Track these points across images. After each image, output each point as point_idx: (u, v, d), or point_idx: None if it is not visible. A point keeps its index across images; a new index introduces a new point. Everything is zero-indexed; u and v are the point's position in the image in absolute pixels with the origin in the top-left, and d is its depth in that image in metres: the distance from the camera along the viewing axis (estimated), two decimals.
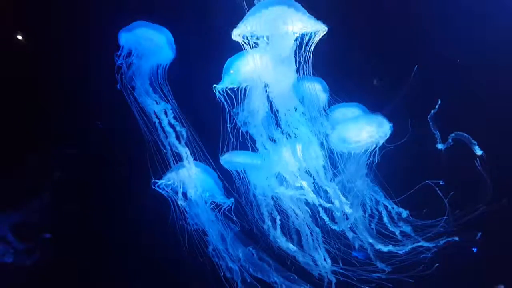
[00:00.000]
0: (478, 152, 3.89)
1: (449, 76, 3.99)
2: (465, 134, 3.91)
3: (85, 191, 4.41)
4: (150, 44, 3.61)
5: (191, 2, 3.88)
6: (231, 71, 3.69)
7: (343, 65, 3.94)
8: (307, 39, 3.39)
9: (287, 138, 3.65)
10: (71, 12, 4.02)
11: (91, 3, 4.00)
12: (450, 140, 3.94)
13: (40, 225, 4.43)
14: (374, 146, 3.80)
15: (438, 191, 3.90)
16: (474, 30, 3.86)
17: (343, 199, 3.70)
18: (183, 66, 3.74)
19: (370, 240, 3.88)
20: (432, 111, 3.93)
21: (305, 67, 3.45)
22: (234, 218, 3.96)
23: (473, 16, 3.84)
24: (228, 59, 3.62)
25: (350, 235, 3.90)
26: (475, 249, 4.31)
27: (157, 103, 3.67)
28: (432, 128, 3.94)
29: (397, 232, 3.93)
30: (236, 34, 3.36)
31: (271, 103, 3.65)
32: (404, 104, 3.91)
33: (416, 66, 3.91)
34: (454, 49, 3.92)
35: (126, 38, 3.64)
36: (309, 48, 3.41)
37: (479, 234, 3.98)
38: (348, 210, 3.70)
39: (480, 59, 3.90)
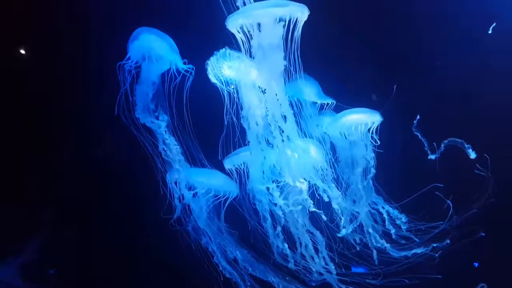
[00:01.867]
0: (472, 155, 3.96)
1: (446, 79, 4.14)
2: (457, 139, 3.99)
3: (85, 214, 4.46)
4: (156, 47, 3.78)
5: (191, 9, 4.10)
6: (232, 86, 3.86)
7: (340, 70, 4.12)
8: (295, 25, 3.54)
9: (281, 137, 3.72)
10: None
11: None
12: (442, 147, 4.01)
13: (44, 262, 4.46)
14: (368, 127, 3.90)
15: (444, 198, 3.93)
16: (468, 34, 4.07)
17: (337, 192, 3.74)
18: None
19: (370, 230, 3.86)
20: (414, 122, 4.03)
21: (296, 62, 3.61)
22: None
23: (465, 20, 4.04)
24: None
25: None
26: (476, 264, 4.27)
27: (155, 111, 3.80)
28: (421, 138, 4.03)
29: (393, 231, 3.93)
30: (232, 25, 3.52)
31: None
32: (399, 109, 4.05)
33: (395, 85, 4.08)
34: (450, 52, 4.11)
35: (133, 46, 3.79)
36: (298, 38, 3.58)
37: (483, 234, 3.95)
38: (335, 205, 3.72)
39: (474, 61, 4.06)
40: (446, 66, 4.10)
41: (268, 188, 3.87)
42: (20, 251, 4.39)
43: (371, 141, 3.93)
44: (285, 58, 3.54)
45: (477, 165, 3.95)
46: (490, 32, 3.96)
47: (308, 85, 3.95)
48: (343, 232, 3.89)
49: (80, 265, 4.50)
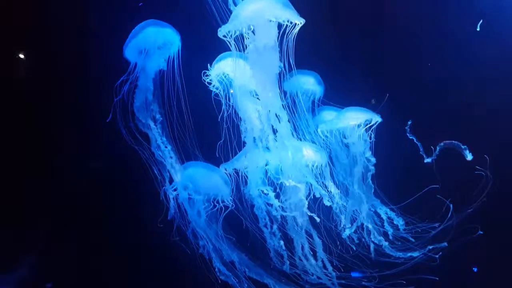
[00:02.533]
0: (469, 157, 3.95)
1: (439, 80, 4.16)
2: (453, 142, 3.99)
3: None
4: (155, 37, 3.77)
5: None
6: (231, 91, 3.87)
7: (334, 71, 4.14)
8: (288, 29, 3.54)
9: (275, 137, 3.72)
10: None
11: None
12: (437, 151, 4.00)
13: (40, 277, 4.43)
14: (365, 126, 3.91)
15: (444, 199, 3.92)
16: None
17: (335, 190, 3.74)
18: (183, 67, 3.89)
19: (370, 226, 3.84)
20: (407, 129, 4.04)
21: (290, 60, 3.62)
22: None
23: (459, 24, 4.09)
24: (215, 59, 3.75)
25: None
26: (475, 269, 4.24)
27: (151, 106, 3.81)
28: (416, 142, 4.03)
29: (390, 232, 3.91)
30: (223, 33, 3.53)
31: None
32: (395, 110, 4.06)
33: (388, 94, 4.10)
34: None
35: (131, 46, 3.79)
36: (293, 39, 3.57)
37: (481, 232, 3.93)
38: (333, 203, 3.70)
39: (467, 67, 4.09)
40: (438, 67, 4.14)
41: (263, 192, 3.86)
42: (16, 266, 4.34)
43: (369, 140, 3.93)
44: (280, 59, 3.56)
45: (477, 166, 3.93)
46: (478, 29, 3.99)
47: (306, 74, 3.99)
48: (347, 232, 3.89)
49: (77, 279, 4.45)
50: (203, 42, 3.86)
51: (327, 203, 3.73)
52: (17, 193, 4.29)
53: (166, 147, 3.82)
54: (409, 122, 4.00)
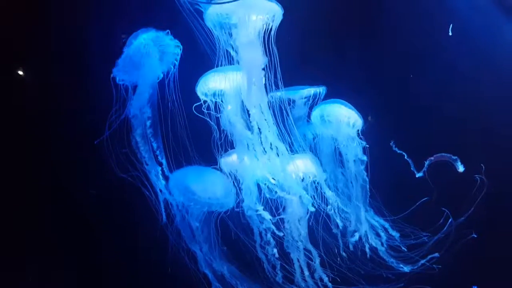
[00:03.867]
0: (461, 168, 3.95)
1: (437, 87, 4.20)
2: (444, 154, 4.00)
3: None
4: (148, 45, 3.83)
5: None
6: (229, 107, 3.97)
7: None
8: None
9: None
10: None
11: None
12: (426, 165, 4.01)
13: None
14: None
15: (446, 210, 3.93)
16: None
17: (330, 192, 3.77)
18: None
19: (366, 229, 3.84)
20: (396, 150, 4.07)
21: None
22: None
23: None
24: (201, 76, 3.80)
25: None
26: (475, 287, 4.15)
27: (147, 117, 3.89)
28: (407, 159, 4.05)
29: (384, 240, 3.89)
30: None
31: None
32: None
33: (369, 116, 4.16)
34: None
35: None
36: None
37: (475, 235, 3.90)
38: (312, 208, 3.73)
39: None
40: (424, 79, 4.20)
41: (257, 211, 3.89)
42: None
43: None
44: (265, 55, 3.62)
45: (476, 176, 3.93)
46: (450, 34, 4.06)
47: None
48: (356, 236, 3.89)
49: None
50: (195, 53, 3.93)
51: (311, 208, 3.74)
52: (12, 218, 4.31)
53: (157, 155, 3.91)
54: (391, 143, 4.04)
